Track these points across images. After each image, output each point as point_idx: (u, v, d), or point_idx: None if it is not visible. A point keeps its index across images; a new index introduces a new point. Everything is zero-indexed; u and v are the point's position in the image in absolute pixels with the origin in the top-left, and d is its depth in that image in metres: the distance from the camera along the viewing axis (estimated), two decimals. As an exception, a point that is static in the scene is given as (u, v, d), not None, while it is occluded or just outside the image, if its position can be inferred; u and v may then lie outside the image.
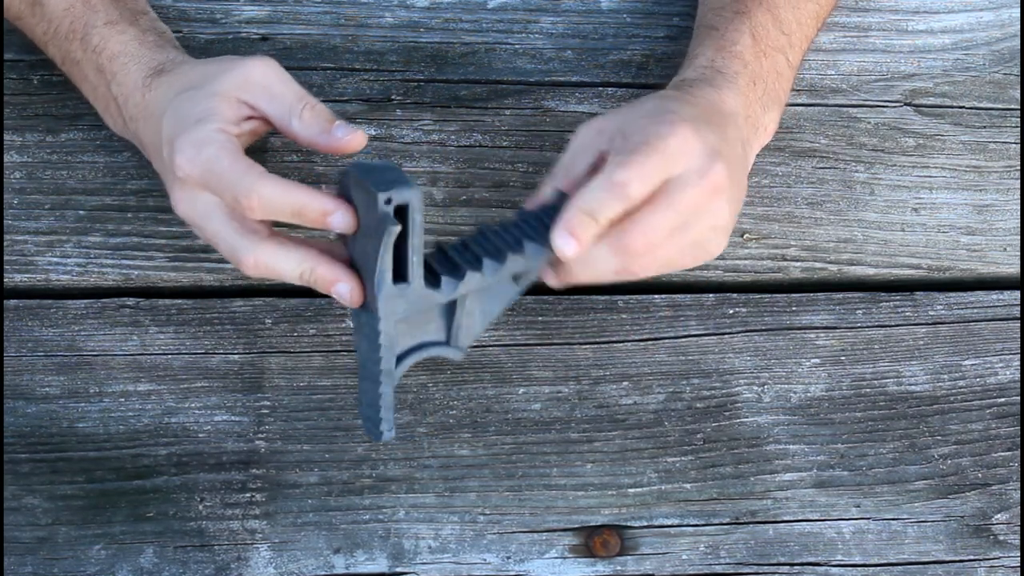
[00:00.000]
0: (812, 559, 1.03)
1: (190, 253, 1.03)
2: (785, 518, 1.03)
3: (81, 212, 1.03)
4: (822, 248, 1.06)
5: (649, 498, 1.03)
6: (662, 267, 0.89)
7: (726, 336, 1.05)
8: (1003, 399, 1.05)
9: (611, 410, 1.03)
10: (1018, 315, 1.06)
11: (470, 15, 1.07)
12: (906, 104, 1.08)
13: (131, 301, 1.03)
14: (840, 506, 1.03)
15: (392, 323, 0.88)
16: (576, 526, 1.02)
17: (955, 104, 1.08)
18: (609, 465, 1.03)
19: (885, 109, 1.07)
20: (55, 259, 1.03)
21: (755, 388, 1.04)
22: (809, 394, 1.04)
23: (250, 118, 0.91)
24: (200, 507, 1.01)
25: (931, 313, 1.06)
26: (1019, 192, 1.07)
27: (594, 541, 1.02)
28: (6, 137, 1.03)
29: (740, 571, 1.02)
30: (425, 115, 1.05)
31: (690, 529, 1.02)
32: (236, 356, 1.03)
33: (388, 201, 0.85)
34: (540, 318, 1.04)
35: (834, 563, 1.03)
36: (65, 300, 1.03)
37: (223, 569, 1.01)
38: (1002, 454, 1.04)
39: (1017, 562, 1.03)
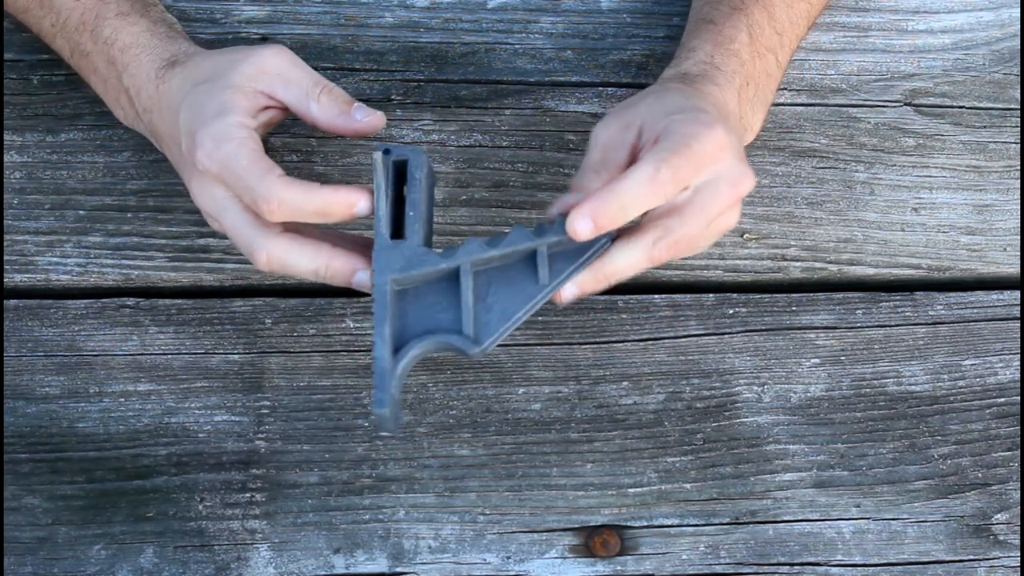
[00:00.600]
0: (812, 559, 1.03)
1: (190, 253, 1.03)
2: (785, 518, 1.03)
3: (81, 212, 1.03)
4: (822, 248, 1.06)
5: (649, 498, 1.03)
6: (666, 260, 0.90)
7: (726, 336, 1.05)
8: (1003, 399, 1.05)
9: (611, 410, 1.03)
10: (1018, 315, 1.06)
11: (470, 15, 1.07)
12: (906, 104, 1.08)
13: (131, 301, 1.03)
14: (840, 506, 1.03)
15: (387, 279, 0.86)
16: (576, 526, 1.02)
17: (955, 104, 1.08)
18: (609, 465, 1.03)
19: (885, 109, 1.07)
20: (55, 259, 1.03)
21: (755, 388, 1.04)
22: (809, 394, 1.04)
23: (267, 108, 0.92)
24: (200, 507, 1.01)
25: (931, 313, 1.06)
26: (1019, 192, 1.07)
27: (594, 541, 1.02)
28: (6, 137, 1.04)
29: (740, 571, 1.02)
30: (425, 115, 1.05)
31: (690, 529, 1.02)
32: (236, 356, 1.03)
33: (387, 152, 0.85)
34: (540, 318, 1.04)
35: (834, 563, 1.03)
36: (65, 300, 1.03)
37: (223, 569, 1.01)
38: (1002, 454, 1.04)
39: (1017, 562, 1.03)
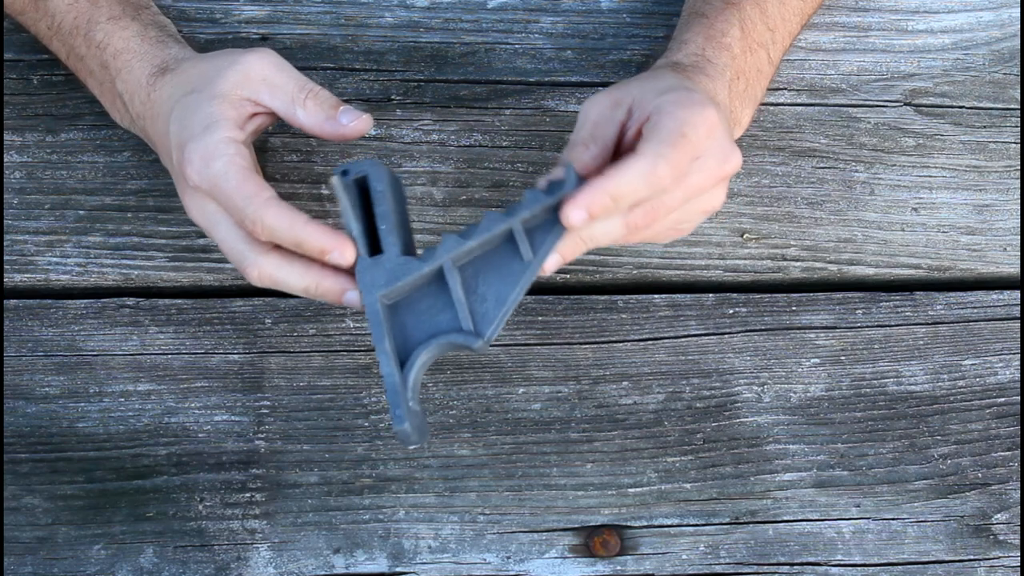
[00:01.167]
0: (812, 559, 1.03)
1: (190, 253, 1.03)
2: (785, 518, 1.03)
3: (81, 212, 1.03)
4: (822, 248, 1.06)
5: (649, 498, 1.03)
6: (642, 240, 0.90)
7: (726, 336, 1.04)
8: (1003, 399, 1.05)
9: (611, 410, 1.03)
10: (1018, 315, 1.06)
11: (470, 15, 1.07)
12: (906, 104, 1.08)
13: (131, 301, 1.03)
14: (840, 506, 1.03)
15: (375, 296, 0.86)
16: (576, 526, 1.02)
17: (955, 104, 1.08)
18: (609, 465, 1.03)
19: (885, 109, 1.07)
20: (55, 259, 1.03)
21: (755, 388, 1.04)
22: (809, 394, 1.04)
23: (256, 115, 0.91)
24: (200, 507, 1.01)
25: (931, 313, 1.06)
26: (1019, 192, 1.07)
27: (594, 541, 1.02)
28: (6, 137, 1.04)
29: (740, 571, 1.02)
30: (425, 115, 1.05)
31: (690, 529, 1.02)
32: (236, 356, 1.03)
33: (345, 172, 0.85)
34: (540, 318, 1.04)
35: (834, 563, 1.03)
36: (65, 300, 1.03)
37: (223, 569, 1.01)
38: (1002, 454, 1.04)
39: (1017, 562, 1.03)
